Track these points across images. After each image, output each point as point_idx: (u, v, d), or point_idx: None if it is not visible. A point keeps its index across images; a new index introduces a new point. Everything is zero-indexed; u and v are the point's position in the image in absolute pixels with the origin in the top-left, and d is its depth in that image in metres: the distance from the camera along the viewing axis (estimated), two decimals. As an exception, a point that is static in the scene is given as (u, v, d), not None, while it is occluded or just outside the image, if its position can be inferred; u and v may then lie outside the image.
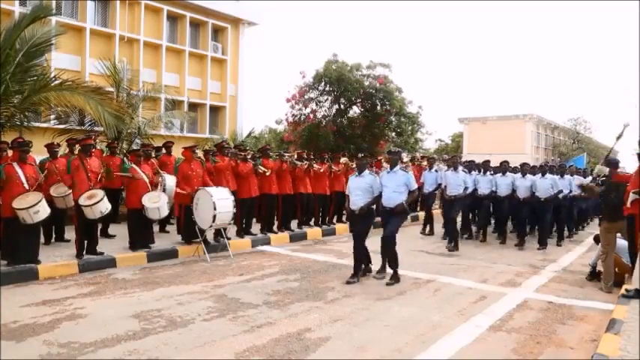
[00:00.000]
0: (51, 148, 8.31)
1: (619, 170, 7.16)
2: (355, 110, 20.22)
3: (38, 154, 8.56)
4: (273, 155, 10.61)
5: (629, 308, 5.22)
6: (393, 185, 6.58)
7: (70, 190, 7.31)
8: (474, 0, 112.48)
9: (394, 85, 19.16)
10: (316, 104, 19.57)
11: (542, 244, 9.74)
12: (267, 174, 9.43)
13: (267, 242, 9.47)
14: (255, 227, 9.81)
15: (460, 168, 9.77)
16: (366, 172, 6.82)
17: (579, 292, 6.54)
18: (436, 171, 11.39)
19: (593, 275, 7.11)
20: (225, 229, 8.38)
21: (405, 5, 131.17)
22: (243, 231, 9.43)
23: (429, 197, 11.57)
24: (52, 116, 11.69)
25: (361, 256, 6.84)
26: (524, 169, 10.21)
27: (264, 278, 6.76)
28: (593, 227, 12.93)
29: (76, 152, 8.12)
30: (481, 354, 4.28)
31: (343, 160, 11.82)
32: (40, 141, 9.01)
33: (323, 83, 19.08)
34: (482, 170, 10.67)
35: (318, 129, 18.65)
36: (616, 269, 6.61)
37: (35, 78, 9.19)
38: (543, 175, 9.97)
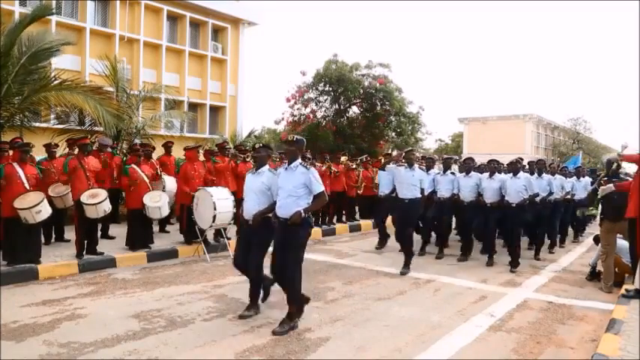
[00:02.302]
0: (48, 148, 8.35)
1: (620, 171, 7.15)
2: (355, 110, 20.25)
3: (39, 154, 8.58)
4: (274, 157, 10.60)
5: (629, 308, 5.23)
6: (289, 187, 4.75)
7: (68, 190, 7.30)
8: (474, 0, 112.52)
9: (394, 85, 19.19)
10: (316, 104, 19.60)
11: (514, 263, 7.78)
12: None
13: (267, 242, 9.45)
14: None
15: (416, 165, 7.64)
16: (265, 168, 5.12)
17: (579, 292, 6.54)
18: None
19: (593, 275, 7.11)
20: (225, 229, 8.38)
21: (404, 5, 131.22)
22: (243, 231, 9.42)
23: (385, 202, 9.34)
24: (52, 116, 11.69)
25: (257, 289, 5.24)
26: (491, 166, 8.31)
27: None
28: (593, 228, 12.91)
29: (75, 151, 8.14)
30: (481, 354, 4.29)
31: (343, 159, 11.81)
32: (41, 141, 9.01)
33: (323, 83, 19.10)
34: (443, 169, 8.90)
35: (317, 129, 18.67)
36: (616, 269, 6.61)
37: (36, 78, 9.19)
38: (515, 174, 7.97)
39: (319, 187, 4.79)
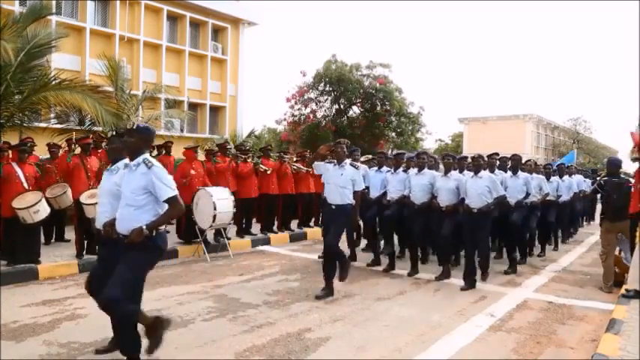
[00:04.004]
0: (50, 148, 8.34)
1: (620, 171, 7.15)
2: (355, 110, 20.28)
3: (40, 153, 8.58)
4: (274, 156, 10.60)
5: (629, 308, 5.23)
6: (127, 193, 3.56)
7: (63, 192, 7.28)
8: (474, 0, 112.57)
9: (394, 85, 19.22)
10: (316, 104, 19.63)
11: (468, 282, 6.47)
12: (268, 172, 9.45)
13: (267, 242, 9.48)
14: (255, 227, 9.82)
15: (347, 162, 5.95)
16: (120, 164, 3.85)
17: (579, 292, 6.54)
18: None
19: None
20: (225, 229, 8.38)
21: (405, 5, 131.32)
22: (243, 231, 9.43)
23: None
24: (52, 116, 11.68)
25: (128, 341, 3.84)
26: (446, 162, 6.86)
27: (264, 278, 6.75)
28: (592, 228, 12.91)
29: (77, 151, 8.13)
30: (481, 354, 4.28)
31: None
32: (40, 140, 9.01)
33: (323, 83, 19.13)
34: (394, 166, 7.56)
35: (317, 129, 18.70)
36: (616, 269, 6.61)
37: (35, 78, 9.19)
38: (477, 172, 6.58)
39: (168, 191, 3.49)
